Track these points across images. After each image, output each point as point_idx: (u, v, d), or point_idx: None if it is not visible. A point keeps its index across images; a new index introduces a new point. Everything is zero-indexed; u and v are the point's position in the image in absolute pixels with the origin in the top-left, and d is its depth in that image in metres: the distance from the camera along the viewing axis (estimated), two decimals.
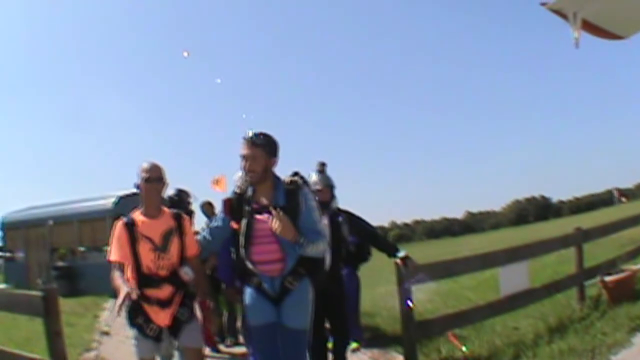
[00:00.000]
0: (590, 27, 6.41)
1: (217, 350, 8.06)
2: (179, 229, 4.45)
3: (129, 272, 4.25)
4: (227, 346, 8.31)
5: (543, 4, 6.20)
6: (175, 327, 4.33)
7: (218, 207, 7.55)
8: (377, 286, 12.07)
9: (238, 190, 4.47)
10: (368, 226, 6.24)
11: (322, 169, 6.25)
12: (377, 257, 6.41)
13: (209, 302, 5.34)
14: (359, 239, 6.62)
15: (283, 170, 4.45)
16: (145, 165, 4.40)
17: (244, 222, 4.32)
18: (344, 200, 6.17)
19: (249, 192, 4.41)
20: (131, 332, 4.40)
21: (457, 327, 6.91)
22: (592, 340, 6.19)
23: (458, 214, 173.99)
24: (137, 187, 4.42)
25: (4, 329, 11.13)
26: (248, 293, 4.40)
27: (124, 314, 4.19)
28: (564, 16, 6.21)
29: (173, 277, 4.32)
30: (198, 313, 4.70)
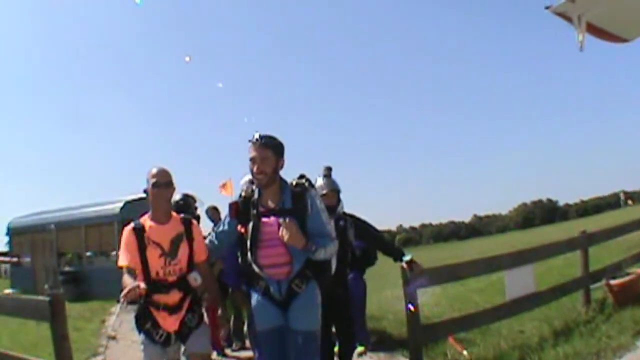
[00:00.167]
0: (594, 29, 6.40)
1: (224, 355, 8.06)
2: (188, 234, 4.40)
3: (137, 278, 4.20)
4: (234, 350, 8.31)
5: (547, 7, 6.20)
6: (183, 333, 4.31)
7: (223, 212, 7.58)
8: (383, 290, 12.08)
9: (244, 194, 4.44)
10: (374, 230, 6.23)
11: (327, 173, 6.25)
12: (384, 261, 6.40)
13: (217, 307, 5.30)
14: (364, 243, 6.61)
15: (288, 174, 4.42)
16: (154, 170, 4.35)
17: (250, 225, 4.29)
18: (352, 204, 6.17)
19: (255, 195, 4.38)
20: (139, 337, 4.37)
21: (463, 331, 6.91)
22: (597, 343, 6.19)
23: (465, 217, 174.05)
24: (146, 192, 4.38)
25: (12, 333, 11.17)
26: (255, 297, 4.39)
27: (130, 311, 4.18)
28: (568, 19, 6.19)
29: (181, 283, 4.27)
30: (206, 318, 4.69)
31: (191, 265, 4.35)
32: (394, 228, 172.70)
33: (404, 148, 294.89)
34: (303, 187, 4.32)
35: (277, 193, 4.32)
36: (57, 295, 5.01)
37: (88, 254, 21.82)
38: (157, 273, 4.21)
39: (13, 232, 24.07)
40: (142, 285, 3.87)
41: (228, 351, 8.22)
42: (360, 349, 7.07)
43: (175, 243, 4.30)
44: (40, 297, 5.24)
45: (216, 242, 4.60)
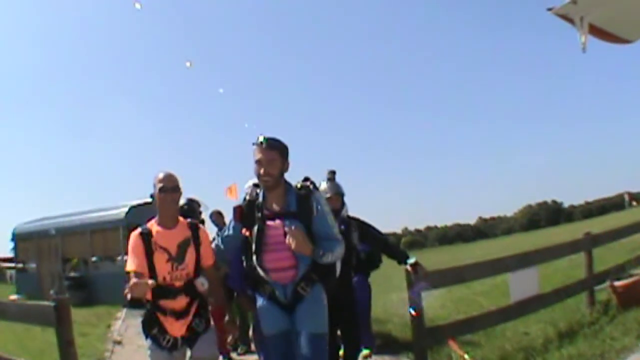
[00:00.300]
0: (597, 31, 6.39)
1: (230, 359, 8.08)
2: (195, 239, 4.38)
3: None
4: (240, 354, 8.33)
5: (550, 9, 6.20)
6: (190, 338, 4.30)
7: (228, 216, 7.57)
8: (389, 293, 12.08)
9: (249, 197, 4.42)
10: (378, 233, 6.24)
11: (331, 176, 6.26)
12: (389, 264, 6.42)
13: (224, 311, 5.29)
14: (369, 246, 6.62)
15: (292, 178, 4.42)
16: (161, 175, 4.34)
17: (255, 229, 4.27)
18: (357, 208, 6.18)
19: (260, 198, 4.36)
20: (146, 343, 4.36)
21: (468, 333, 6.93)
22: (601, 345, 6.20)
23: (470, 219, 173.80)
24: (153, 196, 4.37)
25: (18, 339, 11.19)
26: (260, 301, 4.38)
27: (136, 315, 4.18)
28: (570, 21, 6.19)
29: (188, 288, 4.27)
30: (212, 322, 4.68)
31: (198, 270, 4.34)
32: (399, 231, 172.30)
33: (409, 151, 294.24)
34: (308, 190, 4.32)
35: (282, 196, 4.31)
36: (62, 300, 5.02)
37: (93, 259, 21.84)
38: (164, 278, 4.19)
39: (18, 238, 24.10)
40: (151, 281, 3.89)
41: (234, 355, 8.24)
42: (365, 352, 7.07)
43: (182, 248, 4.29)
44: (46, 303, 5.26)
45: (222, 246, 4.58)
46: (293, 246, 4.05)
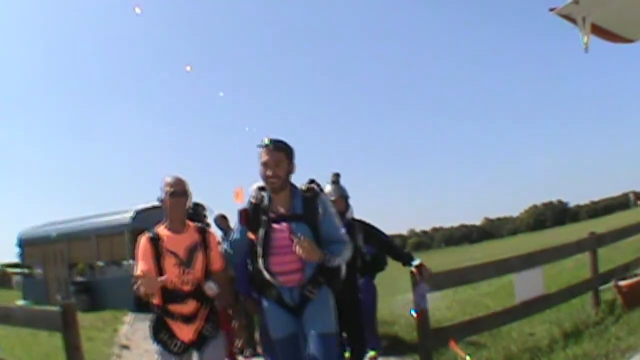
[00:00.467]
0: (599, 30, 6.40)
1: None
2: (204, 243, 4.36)
3: None
4: (246, 357, 8.33)
5: (552, 9, 6.20)
6: (199, 343, 4.27)
7: (232, 220, 7.57)
8: (395, 294, 12.09)
9: (254, 200, 4.40)
10: (383, 235, 6.24)
11: (336, 179, 6.27)
12: (396, 266, 6.41)
13: (232, 315, 5.24)
14: (374, 248, 6.62)
15: (295, 181, 4.39)
16: (169, 179, 4.31)
17: (261, 232, 4.24)
18: (364, 209, 6.19)
19: (265, 201, 4.33)
20: (155, 348, 4.31)
21: (473, 334, 6.92)
22: (606, 345, 6.20)
23: (476, 220, 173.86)
24: (161, 201, 4.33)
25: (24, 345, 11.22)
26: (267, 305, 4.37)
27: (142, 319, 4.16)
28: (573, 21, 6.19)
29: (197, 292, 4.23)
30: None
31: (207, 274, 4.31)
32: (405, 232, 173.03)
33: (415, 152, 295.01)
34: (314, 192, 4.30)
35: (288, 198, 4.29)
36: (68, 305, 5.03)
37: (100, 263, 21.87)
38: (173, 282, 4.15)
39: (24, 244, 24.07)
40: (163, 277, 3.92)
41: (240, 358, 8.24)
42: (371, 354, 7.06)
43: (191, 252, 4.26)
44: (52, 308, 5.27)
45: (230, 251, 4.54)
46: (302, 255, 4.01)
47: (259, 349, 7.89)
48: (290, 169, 4.27)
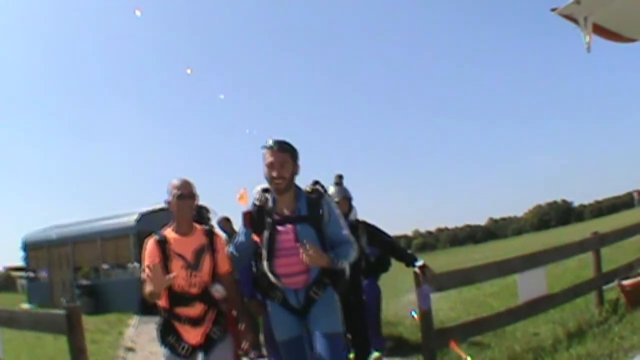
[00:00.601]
0: (601, 30, 6.40)
1: None
2: (211, 245, 4.33)
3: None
4: (251, 359, 8.34)
5: (553, 10, 6.20)
6: (207, 346, 4.24)
7: (235, 223, 7.57)
8: (400, 295, 12.10)
9: (258, 202, 4.38)
10: (385, 236, 6.25)
11: (339, 181, 6.29)
12: (401, 267, 6.41)
13: (239, 318, 5.22)
14: (378, 249, 6.63)
15: (298, 182, 4.37)
16: (176, 181, 4.28)
17: (265, 234, 4.23)
18: (369, 210, 6.20)
19: (270, 203, 4.32)
20: (162, 351, 4.30)
21: (477, 334, 6.94)
22: (609, 344, 6.20)
23: (481, 220, 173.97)
24: (168, 203, 4.30)
25: (30, 348, 11.25)
26: (272, 307, 4.37)
27: (147, 322, 4.14)
28: (574, 21, 6.20)
29: (205, 295, 4.21)
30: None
31: (214, 277, 4.29)
32: (410, 233, 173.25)
33: (420, 153, 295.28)
34: (319, 193, 4.30)
35: (292, 200, 4.28)
36: (73, 308, 5.02)
37: (105, 266, 21.89)
38: (180, 285, 4.14)
39: (29, 247, 24.09)
40: (173, 274, 3.92)
41: None
42: (376, 354, 7.07)
43: (198, 255, 4.23)
44: (57, 311, 5.27)
45: (236, 254, 4.51)
46: (309, 263, 4.01)
47: (264, 351, 7.92)
48: (295, 170, 4.25)
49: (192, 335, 4.19)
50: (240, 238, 4.49)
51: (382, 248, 6.46)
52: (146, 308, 4.03)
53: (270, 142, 4.21)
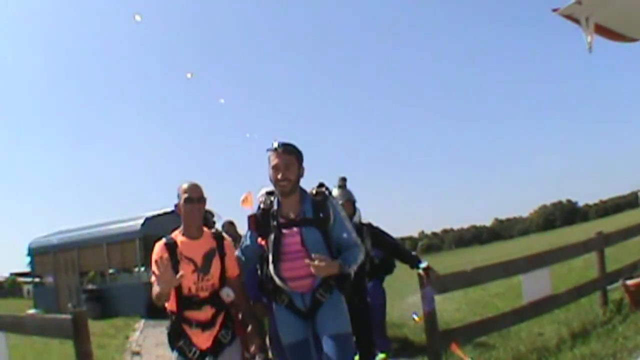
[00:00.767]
0: (603, 30, 6.41)
1: None
2: (220, 249, 4.31)
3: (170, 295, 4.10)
4: None
5: (555, 10, 6.21)
6: (216, 350, 4.22)
7: (239, 226, 7.58)
8: (405, 297, 12.10)
9: (263, 206, 4.36)
10: (390, 239, 6.27)
11: (342, 184, 6.30)
12: (406, 268, 6.41)
13: (248, 321, 5.21)
14: (382, 252, 6.64)
15: (303, 184, 4.35)
16: (185, 185, 4.27)
17: (271, 237, 4.22)
18: (375, 212, 6.20)
19: (275, 206, 4.29)
20: (172, 354, 4.27)
21: (482, 335, 6.93)
22: (613, 344, 6.19)
23: (486, 221, 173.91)
24: (177, 207, 4.29)
25: (36, 353, 11.29)
26: (278, 311, 4.36)
27: (154, 326, 4.14)
28: (576, 21, 6.20)
29: (214, 299, 4.20)
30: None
31: (223, 280, 4.27)
32: (416, 234, 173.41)
33: (425, 154, 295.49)
34: (324, 196, 4.28)
35: (297, 203, 4.26)
36: (79, 313, 5.02)
37: (110, 271, 21.95)
38: (190, 289, 4.13)
39: (34, 253, 24.17)
40: (181, 273, 3.89)
41: None
42: (381, 356, 7.08)
43: (208, 258, 4.21)
44: (63, 316, 5.27)
45: (243, 258, 4.49)
46: (320, 275, 4.00)
47: (270, 354, 7.93)
48: (300, 173, 4.24)
49: (202, 340, 4.17)
50: (246, 242, 4.48)
51: (386, 250, 6.48)
52: (153, 311, 3.98)
53: (275, 145, 4.19)
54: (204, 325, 4.18)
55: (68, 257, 22.47)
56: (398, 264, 6.97)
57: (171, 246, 4.19)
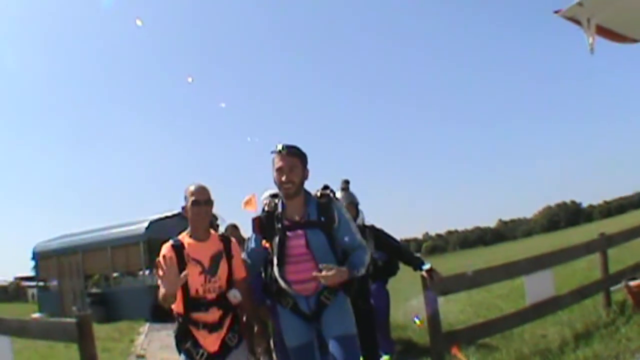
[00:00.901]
0: (604, 31, 6.42)
1: None
2: (227, 251, 4.29)
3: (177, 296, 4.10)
4: None
5: (556, 12, 6.22)
6: (223, 352, 4.20)
7: (243, 229, 7.59)
8: (409, 299, 12.10)
9: (267, 208, 4.37)
10: (393, 241, 6.27)
11: (345, 186, 6.31)
12: (409, 271, 6.41)
13: (253, 324, 5.20)
14: (385, 254, 6.65)
15: (307, 187, 4.35)
16: (192, 187, 4.26)
17: (275, 240, 4.22)
18: (379, 214, 6.21)
19: (279, 209, 4.30)
20: (179, 357, 4.25)
21: (485, 337, 6.94)
22: (616, 346, 6.19)
23: (490, 222, 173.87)
24: (184, 209, 4.28)
25: (41, 357, 11.31)
26: (282, 314, 4.38)
27: (159, 329, 4.14)
28: (578, 22, 6.21)
29: (221, 301, 4.18)
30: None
31: (230, 282, 4.26)
32: (420, 236, 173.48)
33: (429, 156, 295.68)
34: (328, 198, 4.29)
35: (302, 205, 4.26)
36: (84, 316, 5.04)
37: (115, 274, 21.98)
38: (197, 291, 4.12)
39: (39, 256, 24.21)
40: (185, 272, 3.88)
41: None
42: (385, 358, 7.09)
43: (215, 260, 4.20)
44: (68, 319, 5.29)
45: (249, 261, 4.47)
46: (330, 284, 3.99)
47: (275, 357, 7.94)
48: (304, 175, 4.24)
49: (210, 342, 4.16)
50: (251, 244, 4.48)
51: (389, 252, 6.48)
52: (158, 314, 3.98)
53: (280, 147, 4.19)
54: (212, 327, 4.16)
55: (72, 261, 22.51)
56: (402, 266, 6.98)
57: (178, 248, 4.17)
